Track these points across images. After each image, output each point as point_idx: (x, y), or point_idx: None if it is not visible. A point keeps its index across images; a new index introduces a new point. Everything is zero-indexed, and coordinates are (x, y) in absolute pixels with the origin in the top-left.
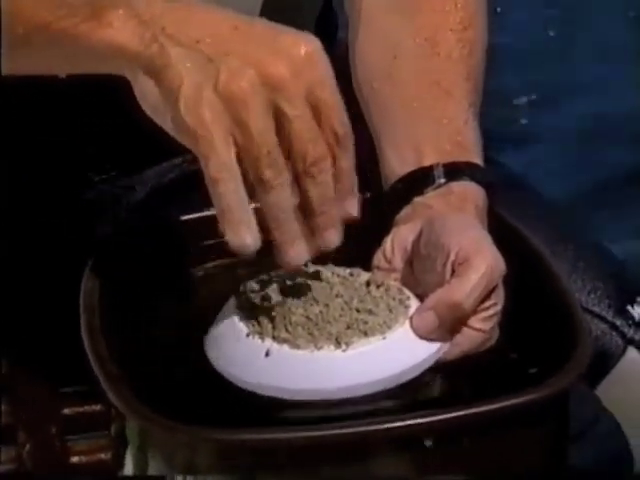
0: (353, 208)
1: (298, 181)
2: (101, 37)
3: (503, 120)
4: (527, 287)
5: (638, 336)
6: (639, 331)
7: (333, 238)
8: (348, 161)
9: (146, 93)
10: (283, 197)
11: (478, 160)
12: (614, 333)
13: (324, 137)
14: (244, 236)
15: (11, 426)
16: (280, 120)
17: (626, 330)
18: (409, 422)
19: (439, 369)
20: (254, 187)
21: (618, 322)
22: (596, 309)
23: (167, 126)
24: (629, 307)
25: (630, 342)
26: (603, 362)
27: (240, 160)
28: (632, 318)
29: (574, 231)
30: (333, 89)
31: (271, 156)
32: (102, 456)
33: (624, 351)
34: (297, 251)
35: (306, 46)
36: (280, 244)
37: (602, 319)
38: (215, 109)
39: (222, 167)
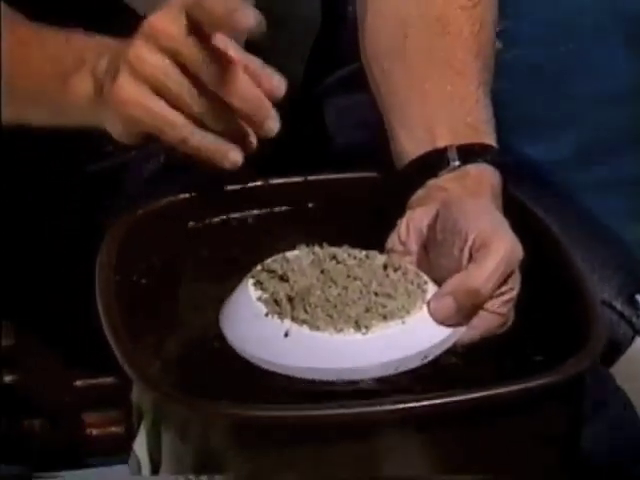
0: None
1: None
2: (71, 95)
3: None
4: (543, 271)
5: None
6: None
7: (271, 125)
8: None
9: (111, 125)
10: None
11: (491, 140)
12: (622, 322)
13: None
14: (232, 155)
15: (23, 398)
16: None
17: (634, 320)
18: (425, 402)
19: (456, 352)
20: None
21: (626, 312)
22: (605, 297)
23: (122, 139)
24: (637, 296)
25: (638, 332)
26: (610, 351)
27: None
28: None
29: (587, 216)
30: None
31: (182, 81)
32: (115, 429)
33: (632, 340)
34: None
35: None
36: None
37: (611, 307)
38: (132, 87)
39: (178, 128)
